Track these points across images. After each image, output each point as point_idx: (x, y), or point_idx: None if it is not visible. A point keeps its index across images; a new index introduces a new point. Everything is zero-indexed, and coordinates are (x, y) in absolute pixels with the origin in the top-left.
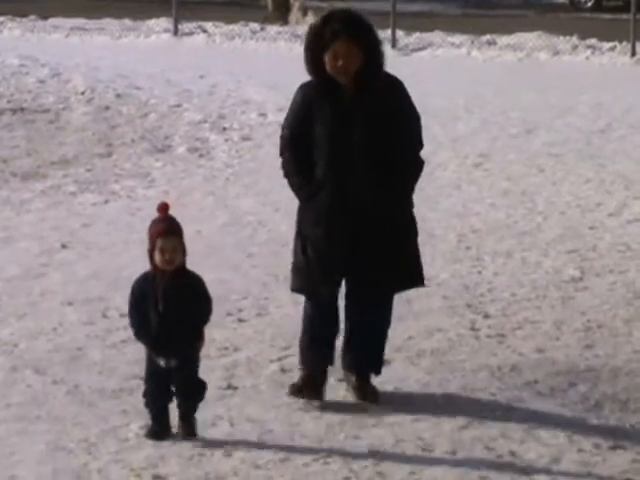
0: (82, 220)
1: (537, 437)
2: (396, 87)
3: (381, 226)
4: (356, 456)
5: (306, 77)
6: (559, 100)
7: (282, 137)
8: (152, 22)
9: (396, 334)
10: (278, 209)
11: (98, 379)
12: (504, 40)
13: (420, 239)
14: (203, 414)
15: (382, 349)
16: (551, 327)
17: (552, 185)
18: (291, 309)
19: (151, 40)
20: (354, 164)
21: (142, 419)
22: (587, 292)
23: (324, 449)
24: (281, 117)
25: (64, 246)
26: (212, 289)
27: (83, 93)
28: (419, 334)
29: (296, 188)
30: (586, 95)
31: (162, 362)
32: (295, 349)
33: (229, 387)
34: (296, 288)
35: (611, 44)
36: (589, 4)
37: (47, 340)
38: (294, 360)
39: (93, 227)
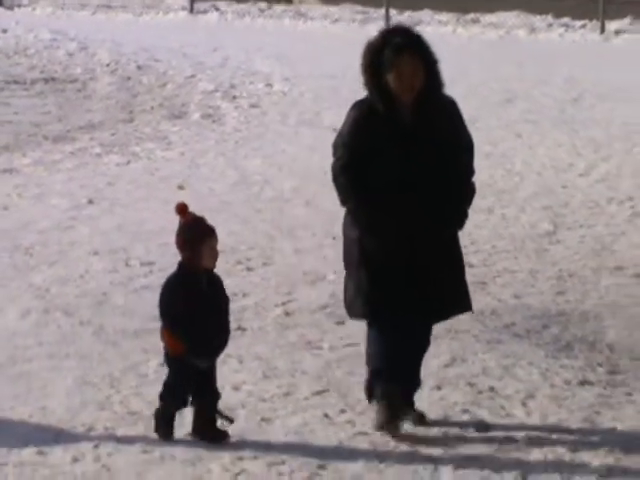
0: (107, 179)
1: (514, 374)
2: (453, 108)
3: (440, 252)
4: (351, 391)
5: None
6: (536, 73)
7: (338, 159)
8: (170, 1)
9: None
10: (282, 169)
11: (121, 321)
12: (486, 19)
13: None
14: None
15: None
16: (527, 276)
17: (529, 149)
18: (294, 259)
19: (169, 17)
20: (417, 187)
21: (160, 357)
22: (559, 244)
23: (323, 384)
24: (286, 87)
25: (90, 202)
26: (223, 241)
27: (108, 65)
28: None
29: (356, 215)
30: (560, 68)
31: (201, 362)
32: (297, 295)
33: (238, 328)
34: (359, 315)
35: (582, 22)
36: None
37: (75, 286)
38: (297, 305)
39: (116, 185)
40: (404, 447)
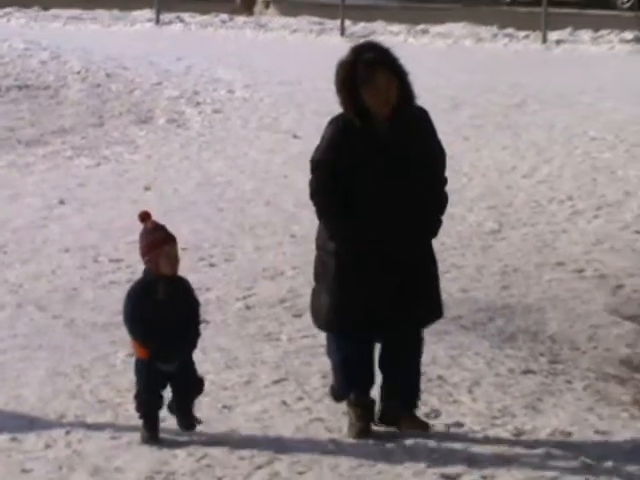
0: (77, 180)
1: (461, 363)
2: (425, 117)
3: (415, 262)
4: (308, 379)
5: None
6: (481, 80)
7: (316, 177)
8: (137, 13)
9: None
10: (243, 171)
11: (90, 314)
12: (436, 29)
13: None
14: None
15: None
16: (473, 271)
17: (475, 151)
18: (254, 255)
19: (136, 28)
20: (393, 199)
21: (127, 349)
22: (504, 241)
23: (281, 373)
24: (247, 93)
25: (62, 202)
26: (187, 239)
27: (78, 73)
28: None
29: (333, 231)
30: (504, 76)
31: (166, 367)
32: (258, 289)
33: (202, 321)
34: (333, 328)
35: (526, 33)
36: None
37: (47, 281)
38: (257, 299)
39: (87, 186)
40: None
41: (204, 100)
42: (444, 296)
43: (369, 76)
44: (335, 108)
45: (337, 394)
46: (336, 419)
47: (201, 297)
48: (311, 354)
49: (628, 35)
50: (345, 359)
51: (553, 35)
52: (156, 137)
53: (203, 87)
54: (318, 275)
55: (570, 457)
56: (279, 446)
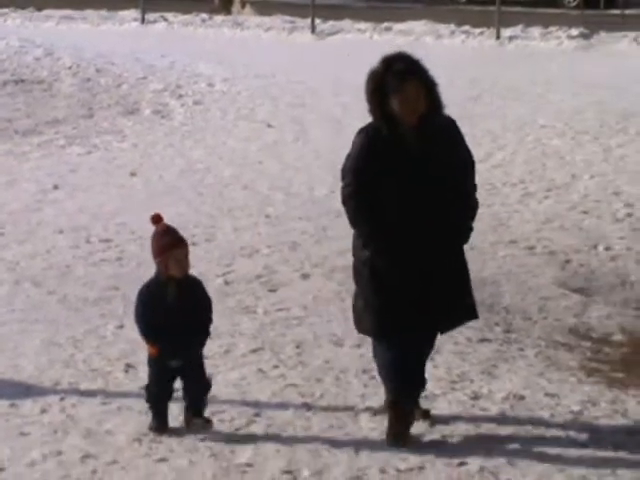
0: (69, 167)
1: None
2: (454, 127)
3: (447, 268)
4: (283, 349)
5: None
6: (441, 74)
7: (347, 185)
8: (124, 13)
9: (313, 253)
10: (222, 158)
11: (82, 290)
12: (398, 27)
13: (332, 181)
14: None
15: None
16: None
17: None
18: (232, 236)
19: (124, 27)
20: (424, 206)
21: (117, 320)
22: None
23: (258, 343)
24: (225, 86)
25: (56, 187)
26: (171, 220)
27: (70, 68)
28: (332, 254)
29: (366, 238)
30: (462, 70)
31: (174, 363)
32: (236, 266)
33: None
34: (370, 332)
35: (481, 30)
36: None
37: (42, 260)
38: (235, 275)
39: (78, 172)
40: (329, 397)
41: (186, 93)
42: None
43: (399, 86)
44: (305, 100)
45: (391, 399)
46: (309, 385)
47: None
48: (285, 326)
49: (574, 32)
50: (385, 363)
51: (506, 32)
52: (142, 127)
53: (185, 81)
54: (356, 282)
55: (523, 418)
56: (256, 410)
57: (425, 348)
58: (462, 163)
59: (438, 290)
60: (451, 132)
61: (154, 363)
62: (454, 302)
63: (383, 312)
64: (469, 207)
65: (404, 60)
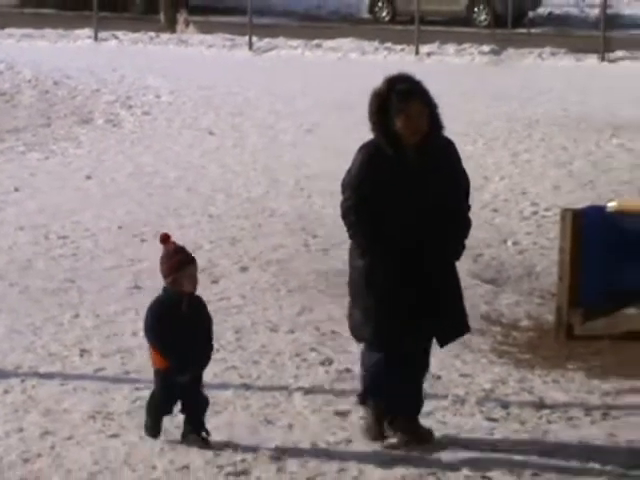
0: (29, 171)
1: None
2: (452, 148)
3: (439, 283)
4: (224, 335)
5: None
6: (366, 86)
7: (347, 199)
8: (79, 31)
9: (250, 248)
10: (168, 162)
11: (42, 282)
12: (328, 44)
13: (267, 183)
14: (114, 306)
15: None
16: None
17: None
18: (178, 232)
19: (78, 44)
20: (421, 222)
21: (73, 310)
22: None
23: None
24: (171, 98)
25: (17, 189)
26: (123, 219)
27: (30, 81)
28: (267, 249)
29: (364, 250)
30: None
31: (183, 378)
32: None
33: (135, 287)
34: (377, 341)
35: (402, 46)
36: (387, 18)
37: (5, 255)
38: None
39: (37, 176)
40: (265, 378)
41: (135, 104)
42: (339, 264)
43: (402, 105)
44: (243, 110)
45: (364, 399)
46: (247, 367)
47: (134, 267)
48: (226, 314)
49: (486, 48)
50: (371, 369)
51: (424, 48)
52: (95, 135)
53: (135, 93)
54: (351, 291)
55: (440, 395)
56: None
57: (420, 362)
58: (459, 183)
59: (431, 304)
60: (450, 152)
61: (161, 377)
62: (448, 317)
63: (382, 321)
64: (463, 226)
65: (407, 80)
